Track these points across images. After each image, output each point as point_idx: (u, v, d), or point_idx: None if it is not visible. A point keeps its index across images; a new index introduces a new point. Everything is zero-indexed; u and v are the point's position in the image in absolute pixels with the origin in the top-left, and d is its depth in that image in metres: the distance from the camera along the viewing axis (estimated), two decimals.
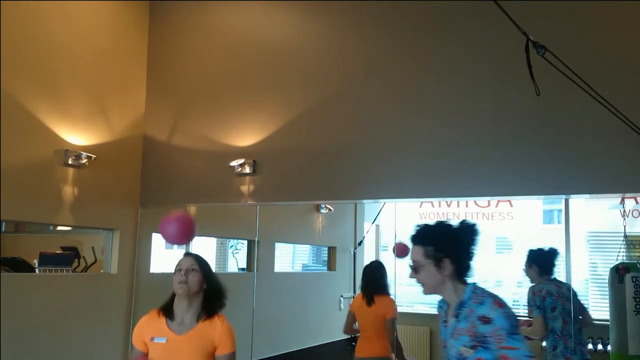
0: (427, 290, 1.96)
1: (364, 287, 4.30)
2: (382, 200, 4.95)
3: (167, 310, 2.61)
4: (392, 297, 4.26)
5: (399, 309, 4.52)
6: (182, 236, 2.75)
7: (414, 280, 1.99)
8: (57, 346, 3.75)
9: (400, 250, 4.81)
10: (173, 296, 2.63)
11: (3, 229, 4.94)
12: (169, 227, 2.72)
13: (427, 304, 6.52)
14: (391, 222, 6.01)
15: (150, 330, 2.59)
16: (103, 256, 4.33)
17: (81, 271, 4.21)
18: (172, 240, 2.76)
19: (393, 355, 4.19)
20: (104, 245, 4.32)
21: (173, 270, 2.66)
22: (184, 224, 2.73)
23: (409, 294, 6.49)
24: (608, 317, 4.63)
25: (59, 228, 4.58)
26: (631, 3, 3.22)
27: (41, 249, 4.10)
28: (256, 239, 4.65)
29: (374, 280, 4.27)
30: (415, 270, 1.95)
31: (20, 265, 3.99)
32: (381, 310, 4.14)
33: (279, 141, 4.05)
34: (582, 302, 4.33)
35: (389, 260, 5.19)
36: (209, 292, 2.64)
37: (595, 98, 2.69)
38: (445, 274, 1.92)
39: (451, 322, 1.93)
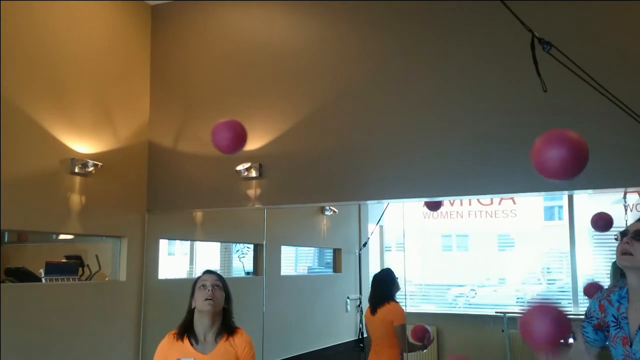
0: (632, 263, 1.85)
1: (369, 298, 4.36)
2: (385, 201, 4.97)
3: (189, 331, 2.59)
4: (398, 303, 4.25)
5: (406, 310, 4.53)
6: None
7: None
8: (66, 356, 3.75)
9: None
10: (191, 315, 2.62)
11: (6, 239, 4.94)
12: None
13: (433, 303, 6.56)
14: (395, 223, 6.06)
15: (174, 353, 2.56)
16: (112, 263, 4.32)
17: (86, 279, 4.21)
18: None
19: None
20: (112, 253, 4.32)
21: (192, 288, 2.65)
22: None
23: (416, 294, 6.53)
24: None
25: (62, 237, 4.58)
26: None
27: (45, 259, 4.09)
28: (264, 243, 4.67)
29: (377, 291, 4.31)
30: (639, 238, 1.86)
31: (25, 276, 3.99)
32: (387, 317, 4.14)
33: (285, 144, 4.06)
34: None
35: (395, 258, 5.23)
36: (228, 311, 2.65)
37: (599, 91, 2.71)
38: None
39: None
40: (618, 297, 1.94)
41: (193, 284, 2.66)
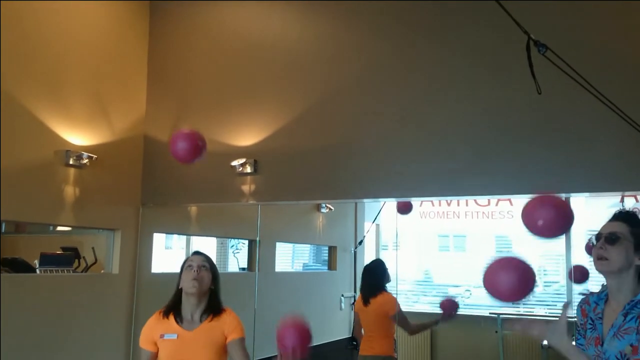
0: (608, 267, 1.84)
1: (361, 289, 4.36)
2: (382, 200, 4.96)
3: (175, 310, 2.61)
4: (390, 292, 4.27)
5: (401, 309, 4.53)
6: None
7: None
8: (58, 346, 3.76)
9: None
10: (178, 295, 2.63)
11: (3, 229, 4.94)
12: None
13: (428, 303, 6.54)
14: (391, 222, 6.05)
15: (159, 329, 2.59)
16: (105, 256, 4.32)
17: (81, 271, 4.21)
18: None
19: (396, 354, 4.22)
20: (105, 246, 4.32)
21: (180, 268, 2.66)
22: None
23: (411, 293, 6.52)
24: None
25: (59, 228, 4.59)
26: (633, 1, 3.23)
27: (41, 250, 4.09)
28: (257, 239, 4.66)
29: (368, 282, 4.31)
30: (611, 241, 1.83)
31: (20, 266, 3.99)
32: (382, 309, 4.16)
33: (280, 141, 4.05)
34: None
35: (391, 257, 5.22)
36: (215, 292, 2.66)
37: (595, 96, 2.70)
38: (638, 263, 1.83)
39: (616, 321, 1.83)
40: (597, 299, 1.95)
41: (181, 265, 2.67)
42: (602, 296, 1.93)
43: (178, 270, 2.69)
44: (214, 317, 2.59)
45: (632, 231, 1.82)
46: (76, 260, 4.27)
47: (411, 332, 4.26)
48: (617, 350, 1.78)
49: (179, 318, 2.59)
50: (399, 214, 5.17)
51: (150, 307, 4.20)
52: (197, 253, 2.71)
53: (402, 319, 4.20)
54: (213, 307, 2.62)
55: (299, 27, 4.19)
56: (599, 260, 1.84)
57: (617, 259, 1.81)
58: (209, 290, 2.63)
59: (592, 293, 1.99)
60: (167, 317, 2.60)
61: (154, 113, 4.52)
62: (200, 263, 2.61)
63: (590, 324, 1.92)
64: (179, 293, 2.63)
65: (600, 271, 1.87)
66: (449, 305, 4.49)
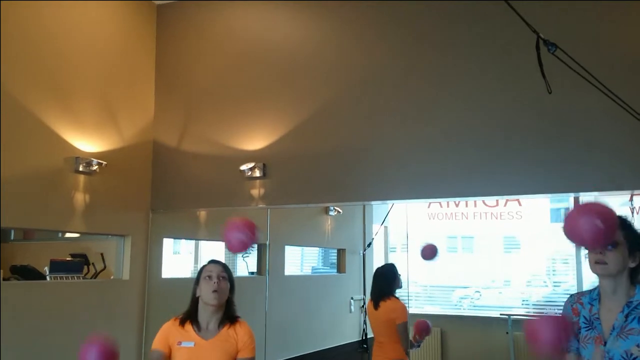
0: (607, 271, 1.94)
1: (371, 293, 4.34)
2: (390, 201, 4.96)
3: (192, 318, 2.60)
4: (400, 299, 4.23)
5: (410, 310, 4.50)
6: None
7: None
8: (69, 353, 3.74)
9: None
10: (196, 304, 2.62)
11: (12, 237, 4.96)
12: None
13: (438, 305, 6.53)
14: (399, 224, 6.04)
15: (176, 336, 2.58)
16: (114, 262, 4.33)
17: (90, 278, 4.22)
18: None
19: (409, 358, 4.18)
20: (116, 251, 4.33)
21: (196, 277, 2.64)
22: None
23: (421, 295, 6.51)
24: None
25: (67, 235, 4.59)
26: None
27: (50, 257, 4.10)
28: (267, 243, 4.66)
29: (378, 285, 4.28)
30: (609, 246, 1.93)
31: (30, 273, 4.00)
32: (390, 315, 4.13)
33: (289, 144, 4.06)
34: None
35: (400, 259, 5.20)
36: (231, 300, 2.65)
37: (605, 94, 2.69)
38: (631, 265, 1.94)
39: (616, 321, 1.93)
40: (589, 299, 2.04)
41: (198, 273, 2.65)
42: (595, 296, 2.03)
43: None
44: (230, 326, 2.59)
45: (625, 235, 1.93)
46: (85, 267, 4.28)
47: (406, 348, 4.12)
48: (623, 350, 1.88)
49: (196, 326, 2.58)
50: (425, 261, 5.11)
51: (161, 312, 4.24)
52: (214, 262, 2.67)
53: (404, 332, 4.11)
54: (229, 315, 2.61)
55: (306, 30, 4.20)
56: (597, 264, 1.94)
57: (615, 263, 1.92)
58: (226, 299, 2.62)
59: (582, 293, 2.10)
60: (184, 325, 2.59)
61: (162, 118, 4.53)
62: (219, 273, 2.58)
63: (585, 323, 2.02)
64: (196, 301, 2.61)
65: (598, 274, 1.97)
66: (423, 327, 4.41)
